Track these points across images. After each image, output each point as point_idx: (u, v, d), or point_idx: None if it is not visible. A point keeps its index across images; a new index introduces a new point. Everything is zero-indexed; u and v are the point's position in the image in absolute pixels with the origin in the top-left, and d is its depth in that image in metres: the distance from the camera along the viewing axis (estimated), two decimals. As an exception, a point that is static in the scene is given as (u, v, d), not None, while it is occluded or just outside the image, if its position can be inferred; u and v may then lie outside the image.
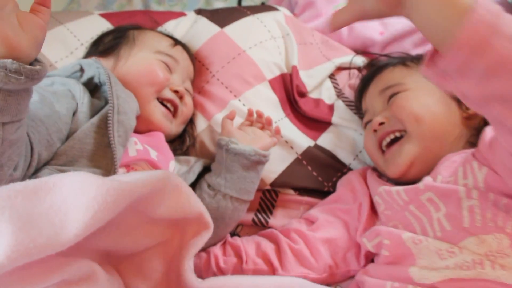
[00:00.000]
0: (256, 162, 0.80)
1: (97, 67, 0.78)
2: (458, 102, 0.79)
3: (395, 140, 0.80)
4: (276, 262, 0.78)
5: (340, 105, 0.99)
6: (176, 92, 0.86)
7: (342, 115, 0.98)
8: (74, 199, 0.48)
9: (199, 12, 1.12)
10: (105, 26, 1.04)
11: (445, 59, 0.46)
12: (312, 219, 0.85)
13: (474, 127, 0.78)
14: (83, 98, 0.72)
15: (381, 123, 0.82)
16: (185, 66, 0.92)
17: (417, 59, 0.89)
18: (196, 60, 1.01)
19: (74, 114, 0.71)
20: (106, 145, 0.69)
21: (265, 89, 0.98)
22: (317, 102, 1.01)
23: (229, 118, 0.86)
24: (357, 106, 0.97)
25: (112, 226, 0.54)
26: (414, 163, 0.77)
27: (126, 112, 0.73)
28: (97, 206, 0.48)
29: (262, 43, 1.02)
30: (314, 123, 0.98)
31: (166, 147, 0.84)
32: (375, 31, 1.14)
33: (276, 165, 0.91)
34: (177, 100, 0.86)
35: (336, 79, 1.05)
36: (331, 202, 0.87)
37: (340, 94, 1.01)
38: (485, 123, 0.77)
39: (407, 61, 0.89)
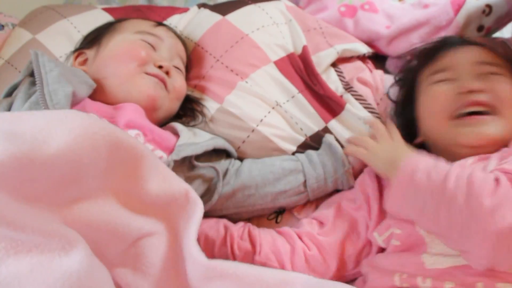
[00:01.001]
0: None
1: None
2: None
3: (479, 114, 0.75)
4: (288, 264, 0.77)
5: (349, 99, 0.97)
6: (160, 67, 0.85)
7: (352, 108, 0.96)
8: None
9: (201, 6, 1.12)
10: (108, 20, 1.03)
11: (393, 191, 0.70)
12: (322, 220, 0.83)
13: None
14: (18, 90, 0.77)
15: (473, 91, 0.75)
16: (171, 44, 0.91)
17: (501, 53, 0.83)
18: (199, 47, 1.00)
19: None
20: None
21: (271, 69, 0.96)
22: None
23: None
24: (427, 54, 0.91)
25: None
26: (489, 143, 0.73)
27: (59, 81, 0.74)
28: (78, 131, 0.52)
29: (264, 27, 1.01)
30: (327, 104, 0.96)
31: (134, 116, 0.80)
32: (381, 25, 1.12)
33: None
34: (162, 75, 0.85)
35: (342, 72, 1.04)
36: (342, 199, 0.85)
37: (348, 87, 1.00)
38: None
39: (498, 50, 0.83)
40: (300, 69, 0.99)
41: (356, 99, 0.98)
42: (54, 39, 1.00)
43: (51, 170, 0.51)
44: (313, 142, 0.92)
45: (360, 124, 0.93)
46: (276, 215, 0.91)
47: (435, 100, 0.81)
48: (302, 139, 0.92)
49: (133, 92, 0.82)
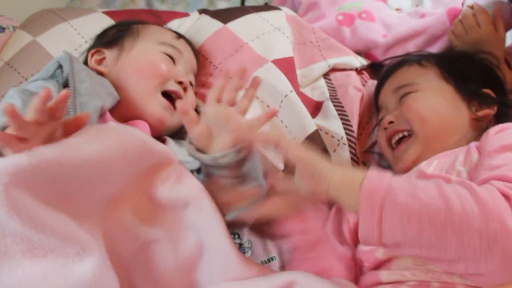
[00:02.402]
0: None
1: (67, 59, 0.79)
2: (468, 104, 0.82)
3: (403, 138, 0.83)
4: None
5: (328, 106, 0.98)
6: (180, 83, 0.86)
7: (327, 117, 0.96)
8: None
9: (202, 11, 1.13)
10: (109, 23, 1.04)
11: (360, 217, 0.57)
12: None
13: (481, 128, 0.81)
14: None
15: (391, 122, 0.85)
16: (188, 59, 0.92)
17: (432, 58, 0.91)
18: (200, 55, 1.01)
19: None
20: None
21: (270, 68, 0.96)
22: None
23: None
24: (375, 103, 0.98)
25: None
26: (419, 158, 0.79)
27: (90, 94, 0.74)
28: (111, 141, 0.58)
29: (265, 34, 1.02)
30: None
31: None
32: (378, 33, 1.14)
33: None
34: (181, 91, 0.86)
35: (331, 79, 1.05)
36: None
37: (332, 96, 1.00)
38: (493, 123, 0.80)
39: (423, 60, 0.90)
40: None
41: (336, 109, 0.97)
42: (55, 42, 1.00)
43: (80, 173, 0.54)
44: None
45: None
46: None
47: (379, 136, 0.90)
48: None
49: (146, 111, 0.82)
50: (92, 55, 0.89)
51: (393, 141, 0.85)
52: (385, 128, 0.86)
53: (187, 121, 0.69)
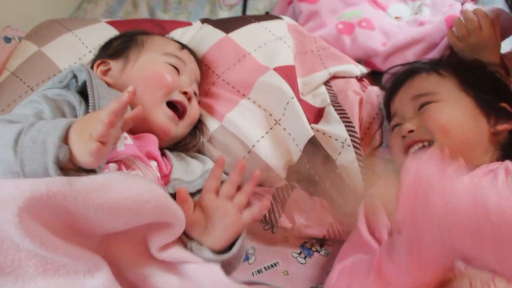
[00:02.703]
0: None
1: (83, 71, 0.79)
2: (487, 117, 0.82)
3: (422, 147, 0.82)
4: None
5: (330, 111, 0.99)
6: (185, 93, 0.87)
7: (329, 122, 0.97)
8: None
9: (204, 21, 1.14)
10: (113, 33, 1.05)
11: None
12: None
13: (500, 143, 0.81)
14: (79, 109, 0.74)
15: (411, 131, 0.84)
16: (192, 69, 0.93)
17: (449, 67, 0.91)
18: (203, 64, 1.02)
19: None
20: None
21: (272, 75, 0.97)
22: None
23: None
24: (386, 108, 0.98)
25: None
26: None
27: None
28: (132, 192, 0.57)
29: (267, 44, 1.04)
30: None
31: (153, 148, 0.82)
32: (378, 41, 1.15)
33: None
34: (185, 101, 0.87)
35: (331, 86, 1.06)
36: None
37: (333, 101, 1.01)
38: (508, 139, 0.81)
39: (440, 68, 0.90)
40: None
41: (338, 113, 0.98)
42: (59, 52, 1.01)
43: (91, 213, 0.54)
44: (306, 156, 0.92)
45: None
46: (271, 226, 0.92)
47: (393, 143, 0.89)
48: (298, 155, 0.92)
49: (152, 122, 0.83)
50: (98, 66, 0.89)
51: (412, 151, 0.83)
52: (404, 137, 0.85)
53: (185, 208, 0.68)
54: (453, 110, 0.82)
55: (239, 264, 0.75)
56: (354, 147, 0.92)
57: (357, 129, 0.96)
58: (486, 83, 0.87)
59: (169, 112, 0.85)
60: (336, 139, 0.93)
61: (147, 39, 0.93)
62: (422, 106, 0.85)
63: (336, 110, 0.98)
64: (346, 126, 0.95)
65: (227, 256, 0.68)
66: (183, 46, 0.96)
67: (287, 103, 0.93)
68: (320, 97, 1.03)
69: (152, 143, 0.81)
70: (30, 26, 1.08)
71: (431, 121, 0.82)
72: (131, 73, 0.86)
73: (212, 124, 0.94)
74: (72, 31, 1.05)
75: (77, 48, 1.02)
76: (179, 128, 0.87)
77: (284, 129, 0.93)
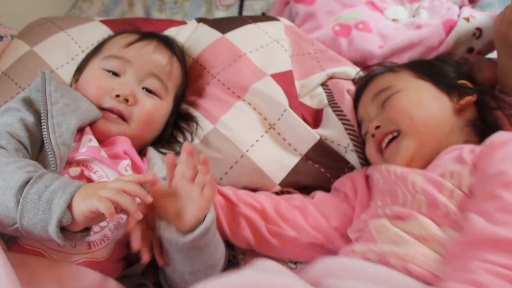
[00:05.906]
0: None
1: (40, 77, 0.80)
2: (448, 95, 0.83)
3: (392, 140, 0.82)
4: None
5: (328, 112, 0.98)
6: (117, 96, 0.83)
7: (329, 125, 0.97)
8: None
9: (200, 20, 1.13)
10: (106, 32, 1.04)
11: None
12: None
13: (468, 119, 0.82)
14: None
15: (377, 127, 0.84)
16: (144, 63, 0.87)
17: (402, 64, 0.93)
18: (197, 64, 1.01)
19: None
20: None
21: (269, 82, 0.96)
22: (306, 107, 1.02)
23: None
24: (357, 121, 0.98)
25: None
26: (414, 158, 0.79)
27: (63, 113, 0.75)
28: None
29: (263, 47, 1.03)
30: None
31: (126, 147, 0.82)
32: (375, 44, 1.14)
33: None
34: (120, 106, 0.83)
35: (328, 86, 1.05)
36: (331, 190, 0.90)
37: (331, 102, 1.00)
38: (478, 114, 0.83)
39: (393, 68, 0.93)
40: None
41: (336, 114, 0.97)
42: (51, 51, 1.00)
43: None
44: (311, 159, 0.92)
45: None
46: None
47: (367, 149, 0.88)
48: (296, 160, 0.91)
49: (98, 128, 0.82)
50: (75, 81, 0.92)
51: (383, 145, 0.83)
52: (373, 135, 0.85)
53: (154, 190, 0.68)
54: (412, 94, 0.83)
55: (215, 257, 0.74)
56: (357, 151, 0.92)
57: (356, 129, 0.95)
58: (441, 68, 0.88)
59: (107, 115, 0.83)
60: (339, 144, 0.93)
61: (107, 43, 0.93)
62: (384, 102, 0.86)
63: (334, 111, 0.97)
64: (345, 127, 0.94)
65: (197, 233, 0.67)
66: (138, 40, 0.91)
67: (284, 110, 0.93)
68: (317, 98, 1.02)
69: (123, 143, 0.81)
70: (25, 24, 1.07)
71: (394, 111, 0.83)
72: (79, 84, 0.88)
73: (205, 126, 0.93)
74: (65, 30, 1.04)
75: (69, 47, 1.01)
76: (131, 129, 0.84)
77: (279, 133, 0.92)
